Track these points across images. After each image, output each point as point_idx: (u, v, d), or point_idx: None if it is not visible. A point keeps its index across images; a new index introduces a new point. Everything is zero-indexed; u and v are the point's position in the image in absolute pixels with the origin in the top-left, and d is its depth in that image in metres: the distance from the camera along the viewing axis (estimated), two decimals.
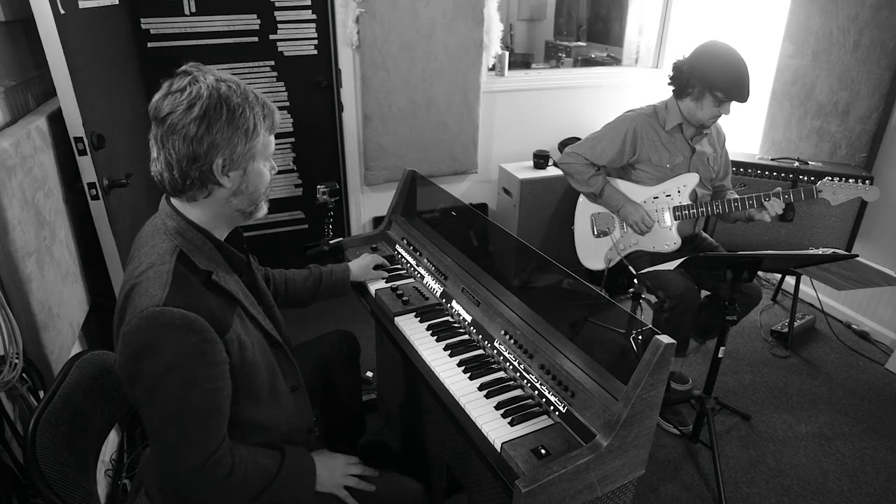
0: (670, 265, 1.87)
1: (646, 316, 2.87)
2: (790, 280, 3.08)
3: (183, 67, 1.10)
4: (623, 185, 2.41)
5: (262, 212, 1.22)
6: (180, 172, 1.07)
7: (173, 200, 1.15)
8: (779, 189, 2.18)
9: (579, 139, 2.52)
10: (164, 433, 1.08)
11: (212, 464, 1.08)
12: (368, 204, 3.35)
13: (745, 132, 3.26)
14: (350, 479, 1.32)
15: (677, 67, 2.24)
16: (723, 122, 2.34)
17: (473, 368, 1.45)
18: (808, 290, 3.22)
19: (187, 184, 1.09)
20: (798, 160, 2.82)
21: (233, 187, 1.13)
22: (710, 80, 2.12)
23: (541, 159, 3.31)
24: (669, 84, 2.28)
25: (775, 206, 2.17)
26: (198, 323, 1.04)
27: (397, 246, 2.02)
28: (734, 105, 2.17)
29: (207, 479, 1.09)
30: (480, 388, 1.38)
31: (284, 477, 1.20)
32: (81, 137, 1.62)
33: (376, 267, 1.86)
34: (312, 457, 1.30)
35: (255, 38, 2.83)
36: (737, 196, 2.25)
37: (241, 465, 1.13)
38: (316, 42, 2.94)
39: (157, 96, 1.07)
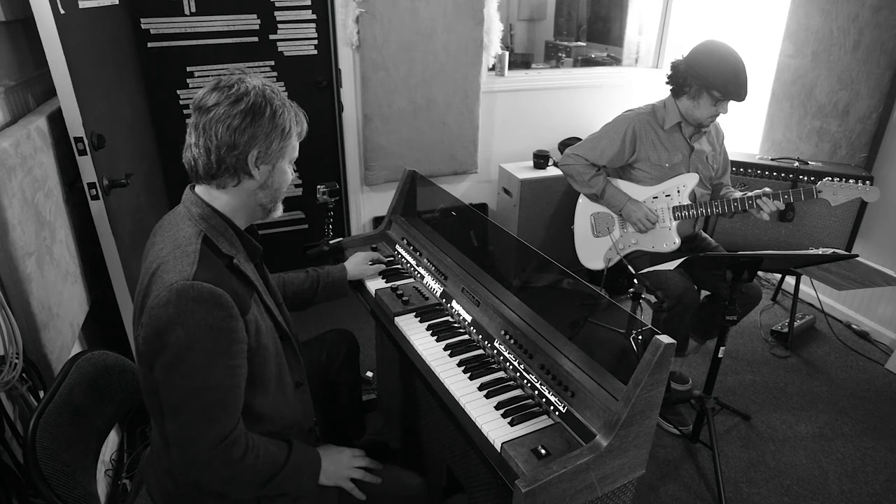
0: (670, 265, 1.87)
1: (646, 316, 2.87)
2: (790, 280, 3.08)
3: (230, 70, 1.19)
4: (623, 186, 2.41)
5: (278, 211, 1.29)
6: (217, 158, 1.15)
7: (199, 189, 1.21)
8: (767, 189, 2.17)
9: (579, 139, 2.52)
10: (182, 410, 1.09)
11: (227, 444, 1.11)
12: (368, 204, 3.35)
13: (745, 132, 3.26)
14: (356, 472, 1.34)
15: (675, 66, 2.24)
16: (722, 121, 2.35)
17: (473, 368, 1.45)
18: (808, 290, 3.22)
19: (221, 169, 1.16)
20: (798, 160, 2.81)
21: (261, 180, 1.20)
22: (706, 79, 2.12)
23: (541, 159, 3.31)
24: (667, 83, 2.28)
25: (771, 206, 2.17)
26: (224, 298, 1.08)
27: (397, 246, 2.02)
28: (733, 105, 2.17)
29: (222, 459, 1.11)
30: (480, 388, 1.38)
31: (292, 467, 1.22)
32: (81, 137, 1.62)
33: (372, 263, 1.87)
34: (318, 451, 1.32)
35: (255, 38, 2.83)
36: (735, 195, 2.25)
37: (254, 450, 1.16)
38: (316, 42, 2.94)
39: (203, 90, 1.17)
